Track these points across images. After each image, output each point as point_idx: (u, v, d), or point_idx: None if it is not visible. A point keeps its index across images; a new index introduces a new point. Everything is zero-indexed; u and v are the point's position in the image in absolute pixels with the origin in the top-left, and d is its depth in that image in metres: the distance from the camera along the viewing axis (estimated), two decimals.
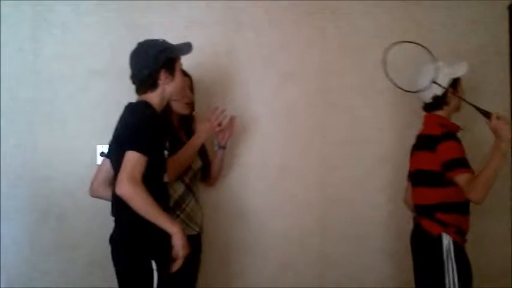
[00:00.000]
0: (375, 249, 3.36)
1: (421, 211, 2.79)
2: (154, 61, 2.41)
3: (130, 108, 2.44)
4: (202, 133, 2.90)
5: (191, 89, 3.04)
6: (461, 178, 2.58)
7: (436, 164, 2.66)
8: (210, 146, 3.16)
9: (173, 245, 2.33)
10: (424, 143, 2.77)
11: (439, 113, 2.81)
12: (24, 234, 3.24)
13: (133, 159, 2.23)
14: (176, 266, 2.36)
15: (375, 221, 3.37)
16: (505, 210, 3.32)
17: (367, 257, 3.36)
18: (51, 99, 3.27)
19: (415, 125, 3.05)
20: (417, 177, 2.82)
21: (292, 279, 3.34)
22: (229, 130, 3.06)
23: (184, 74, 2.88)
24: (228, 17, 3.37)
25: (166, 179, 2.50)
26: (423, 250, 2.75)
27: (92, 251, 3.19)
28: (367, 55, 3.39)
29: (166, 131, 2.57)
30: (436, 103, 2.81)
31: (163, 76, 2.43)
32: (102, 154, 3.11)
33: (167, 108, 2.79)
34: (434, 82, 2.76)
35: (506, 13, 3.42)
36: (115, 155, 2.42)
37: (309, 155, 3.38)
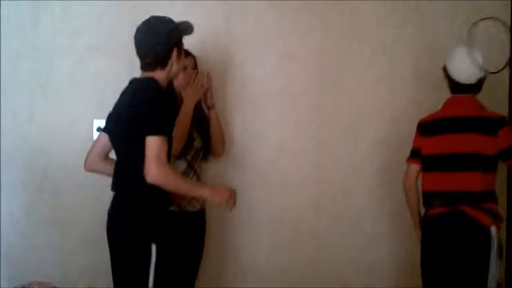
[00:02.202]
0: (368, 232, 3.36)
1: (463, 198, 2.59)
2: (168, 39, 2.38)
3: (141, 86, 2.40)
4: (188, 98, 2.91)
5: (195, 68, 3.05)
6: None
7: (493, 148, 2.59)
8: None
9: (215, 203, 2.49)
10: (474, 125, 2.62)
11: (471, 96, 2.72)
12: (19, 207, 3.26)
13: (157, 143, 2.24)
14: (230, 208, 2.50)
15: (368, 204, 3.37)
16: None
17: (361, 239, 3.37)
18: (49, 73, 3.28)
19: (410, 111, 3.06)
20: (462, 161, 2.62)
21: (286, 259, 3.35)
22: (209, 87, 3.07)
23: (188, 53, 2.90)
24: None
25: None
26: (469, 242, 2.56)
27: (87, 225, 3.20)
28: (368, 40, 3.39)
29: (176, 110, 2.57)
30: (479, 86, 2.72)
31: (174, 54, 2.42)
32: (98, 129, 3.11)
33: (171, 86, 2.79)
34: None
35: (507, 3, 3.41)
36: (120, 131, 2.40)
37: (305, 136, 3.38)
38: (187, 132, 2.88)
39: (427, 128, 2.76)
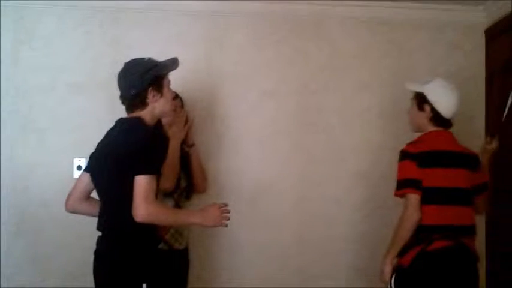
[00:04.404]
0: (350, 266, 3.37)
1: (464, 232, 2.63)
2: (141, 80, 2.38)
3: (129, 125, 2.40)
4: (174, 137, 2.93)
5: (182, 108, 3.06)
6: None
7: (470, 183, 2.68)
8: None
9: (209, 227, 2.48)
10: (464, 161, 2.69)
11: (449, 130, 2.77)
12: None
13: (146, 183, 2.22)
14: (225, 225, 2.43)
15: (350, 238, 3.39)
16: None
17: (344, 273, 3.37)
18: (29, 111, 3.27)
19: (388, 145, 3.07)
20: (460, 195, 2.66)
21: None
22: (188, 125, 3.07)
23: (176, 96, 2.93)
24: (210, 35, 3.40)
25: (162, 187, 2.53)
26: (471, 274, 2.63)
27: (67, 264, 3.17)
28: (347, 76, 3.45)
29: (166, 148, 2.57)
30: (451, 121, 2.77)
31: (150, 94, 2.41)
32: (79, 168, 3.09)
33: (160, 125, 2.80)
34: None
35: (483, 38, 3.49)
36: (106, 171, 2.36)
37: (287, 172, 3.40)
38: (178, 169, 2.90)
39: (426, 159, 2.64)
